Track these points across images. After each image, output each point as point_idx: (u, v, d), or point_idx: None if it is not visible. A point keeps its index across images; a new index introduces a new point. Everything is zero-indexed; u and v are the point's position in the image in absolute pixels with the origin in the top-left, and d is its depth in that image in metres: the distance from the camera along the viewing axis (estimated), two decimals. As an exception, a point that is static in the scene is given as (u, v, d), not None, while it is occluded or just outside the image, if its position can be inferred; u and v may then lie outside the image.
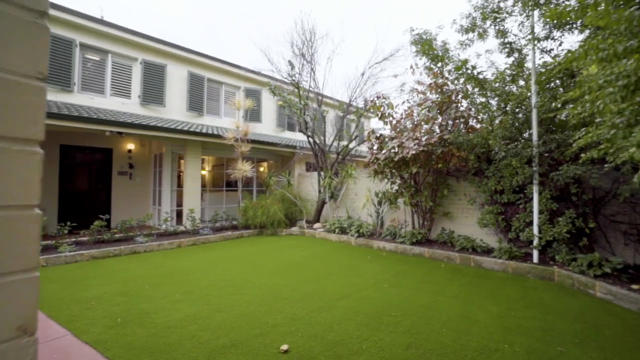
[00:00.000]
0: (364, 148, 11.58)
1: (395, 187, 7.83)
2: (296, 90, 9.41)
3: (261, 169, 12.42)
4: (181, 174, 10.17)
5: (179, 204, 9.35)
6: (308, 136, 9.63)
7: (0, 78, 0.49)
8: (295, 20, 16.65)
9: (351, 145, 10.07)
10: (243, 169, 8.83)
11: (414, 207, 7.61)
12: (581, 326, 3.28)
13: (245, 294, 4.11)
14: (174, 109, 10.16)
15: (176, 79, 10.21)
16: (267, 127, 12.71)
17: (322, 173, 9.85)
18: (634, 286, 3.97)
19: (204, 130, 8.89)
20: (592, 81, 2.68)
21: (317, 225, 9.56)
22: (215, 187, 11.25)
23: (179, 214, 9.23)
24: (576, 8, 2.84)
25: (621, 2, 2.39)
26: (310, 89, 9.83)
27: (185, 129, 8.37)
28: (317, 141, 9.81)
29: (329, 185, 9.38)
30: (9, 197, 0.50)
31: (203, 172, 10.80)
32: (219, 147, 9.66)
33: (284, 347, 2.77)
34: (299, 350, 2.75)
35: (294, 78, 9.34)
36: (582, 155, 3.64)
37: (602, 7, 2.41)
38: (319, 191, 9.98)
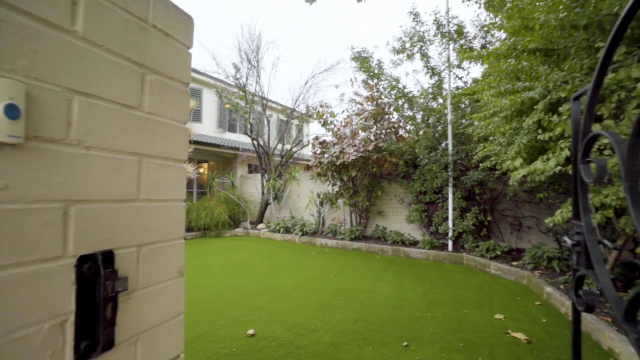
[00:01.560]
0: (305, 151, 12.15)
1: (336, 188, 8.54)
2: (242, 93, 9.54)
3: (201, 170, 12.10)
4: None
5: (110, 206, 8.66)
6: (253, 139, 9.81)
7: (171, 125, 0.83)
8: (242, 25, 16.53)
9: (294, 149, 10.54)
10: (187, 170, 8.62)
11: (352, 207, 8.42)
12: (480, 295, 4.28)
13: (201, 292, 4.26)
14: (104, 104, 9.35)
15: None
16: (209, 128, 12.44)
17: (266, 175, 10.12)
18: (514, 263, 5.23)
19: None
20: (487, 110, 3.63)
21: (260, 225, 9.79)
22: (150, 189, 10.62)
23: (110, 218, 8.56)
24: (477, 54, 3.79)
25: (503, 56, 3.35)
26: (256, 92, 10.04)
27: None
28: (261, 144, 10.05)
29: (273, 187, 9.70)
30: (174, 194, 0.84)
31: (137, 173, 10.12)
32: (157, 147, 9.21)
33: (250, 331, 3.10)
34: (263, 333, 3.11)
35: (240, 81, 9.45)
36: (481, 164, 4.71)
37: (491, 59, 3.34)
38: (262, 193, 10.23)
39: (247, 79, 9.41)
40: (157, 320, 0.79)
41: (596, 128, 2.24)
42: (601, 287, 1.05)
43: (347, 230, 7.96)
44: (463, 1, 5.38)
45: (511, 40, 3.20)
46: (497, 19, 4.37)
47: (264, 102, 10.24)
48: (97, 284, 0.63)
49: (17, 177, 0.52)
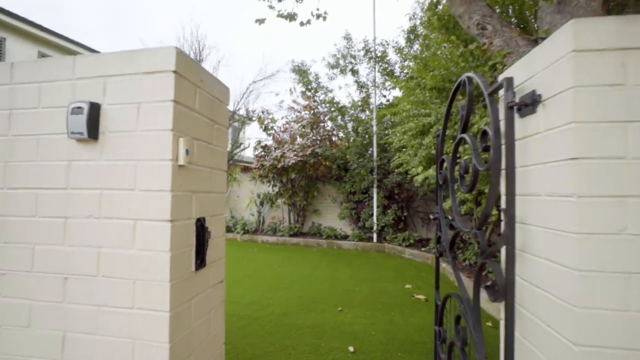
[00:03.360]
0: (245, 153, 12.46)
1: (277, 189, 9.18)
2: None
3: (131, 170, 11.47)
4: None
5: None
6: (192, 140, 9.82)
7: (222, 151, 1.48)
8: (183, 26, 15.94)
9: (235, 151, 10.84)
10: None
11: (291, 206, 9.16)
12: (396, 273, 5.43)
13: (155, 286, 4.53)
14: (15, 95, 8.40)
15: (21, 58, 8.49)
16: (139, 126, 11.85)
17: (205, 176, 10.20)
18: (423, 249, 6.61)
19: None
20: (400, 128, 4.76)
21: (200, 226, 9.85)
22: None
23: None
24: (396, 81, 4.91)
25: (412, 88, 4.50)
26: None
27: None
28: (201, 145, 10.11)
29: (213, 188, 9.86)
30: (221, 189, 1.49)
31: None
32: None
33: (212, 311, 3.61)
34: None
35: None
36: (397, 169, 5.92)
37: (403, 90, 4.45)
38: (202, 193, 10.27)
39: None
40: (215, 258, 1.43)
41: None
42: (446, 242, 1.99)
43: (286, 228, 8.67)
44: (383, 45, 6.58)
45: (416, 78, 4.34)
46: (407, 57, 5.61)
47: (204, 103, 10.31)
48: (202, 232, 1.26)
49: (182, 181, 1.15)
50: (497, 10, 3.26)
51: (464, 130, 1.66)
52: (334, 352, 2.78)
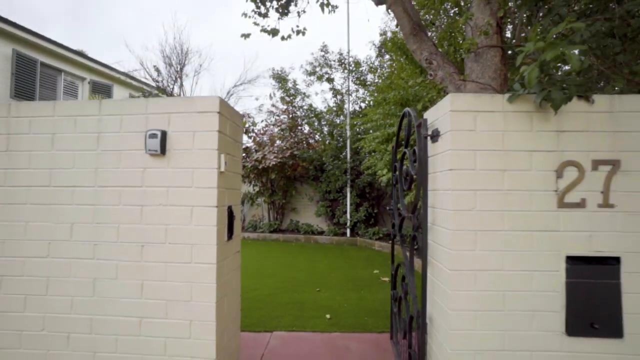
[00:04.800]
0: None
1: (257, 189, 9.71)
2: (164, 95, 9.78)
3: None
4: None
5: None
6: (173, 140, 10.10)
7: (238, 160, 2.11)
8: (165, 29, 15.90)
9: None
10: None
11: (270, 205, 9.72)
12: (366, 262, 6.20)
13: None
14: (-9, 94, 8.34)
15: (-5, 58, 8.42)
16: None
17: (186, 176, 10.51)
18: (390, 241, 7.45)
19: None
20: (370, 135, 5.53)
21: (181, 224, 10.16)
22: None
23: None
24: (369, 93, 5.68)
25: (379, 101, 5.28)
26: (179, 95, 10.36)
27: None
28: (182, 146, 10.40)
29: (194, 187, 10.20)
30: (238, 186, 2.12)
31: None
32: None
33: (208, 293, 4.17)
34: (218, 294, 4.23)
35: (160, 83, 9.69)
36: (366, 171, 6.71)
37: (373, 102, 5.23)
38: (183, 193, 10.57)
39: (175, 81, 9.74)
40: (236, 234, 2.05)
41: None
42: (396, 226, 2.73)
43: (266, 225, 9.23)
44: (356, 60, 7.34)
45: (382, 95, 5.13)
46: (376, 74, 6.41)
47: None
48: (231, 215, 1.89)
49: (222, 181, 1.77)
50: (446, 45, 4.08)
51: (407, 145, 2.39)
52: (314, 319, 3.46)
